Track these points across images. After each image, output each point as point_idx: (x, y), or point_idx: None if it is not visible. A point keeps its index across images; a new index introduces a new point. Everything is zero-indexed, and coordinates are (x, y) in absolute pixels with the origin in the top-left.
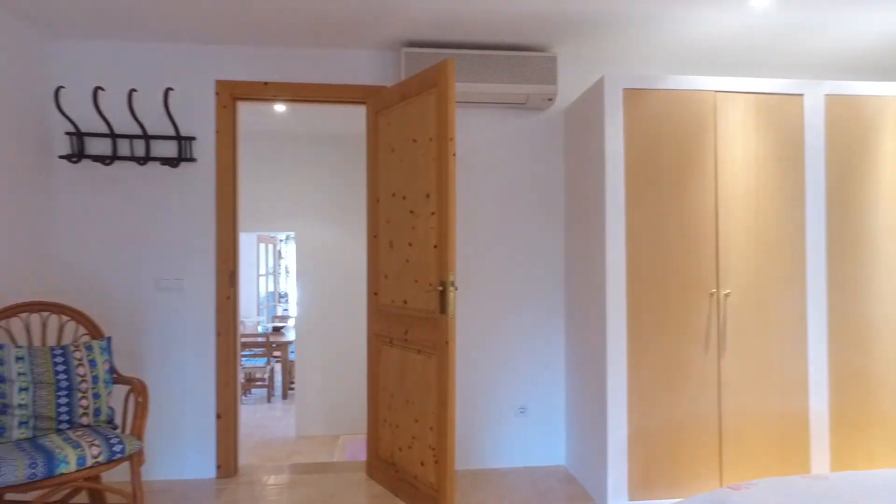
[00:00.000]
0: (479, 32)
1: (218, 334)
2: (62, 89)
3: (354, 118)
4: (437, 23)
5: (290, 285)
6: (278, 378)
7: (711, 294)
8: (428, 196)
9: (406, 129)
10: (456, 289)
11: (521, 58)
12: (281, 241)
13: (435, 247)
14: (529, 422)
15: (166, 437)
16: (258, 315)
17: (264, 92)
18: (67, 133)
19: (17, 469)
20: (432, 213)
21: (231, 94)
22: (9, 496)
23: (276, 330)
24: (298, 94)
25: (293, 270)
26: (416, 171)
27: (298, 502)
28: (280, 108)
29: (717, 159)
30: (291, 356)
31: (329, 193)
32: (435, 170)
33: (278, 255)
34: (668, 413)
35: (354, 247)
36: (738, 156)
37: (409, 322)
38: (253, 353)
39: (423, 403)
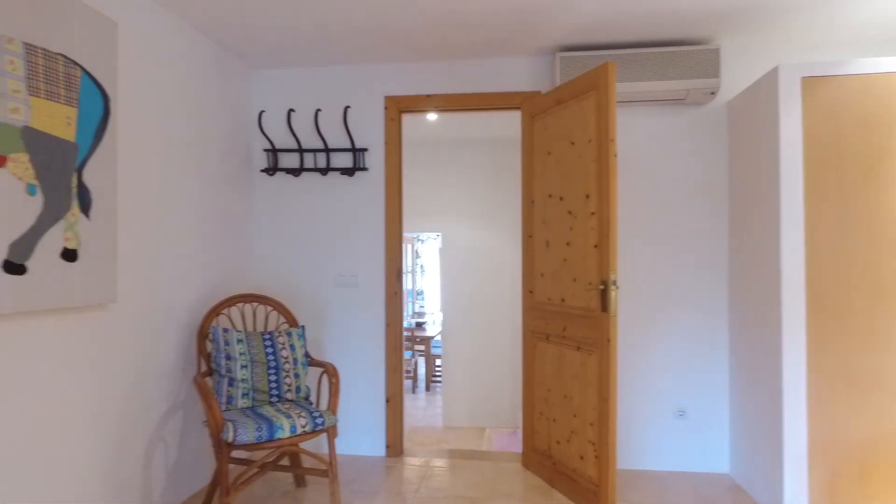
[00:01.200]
0: (635, 31)
1: (387, 325)
2: (263, 113)
3: (500, 123)
4: (593, 26)
5: (426, 283)
6: (421, 370)
7: None
8: (587, 197)
9: (563, 132)
10: (617, 288)
11: (681, 52)
12: (419, 241)
13: (595, 246)
14: (689, 425)
15: (342, 417)
16: None
17: (427, 104)
18: (265, 150)
19: (249, 431)
20: (592, 214)
21: (397, 108)
22: (234, 454)
23: (419, 325)
24: (457, 103)
25: (430, 269)
26: (573, 172)
27: (464, 484)
28: (432, 116)
29: None
30: (434, 350)
31: (474, 195)
32: (594, 171)
33: (416, 255)
34: (856, 426)
35: (498, 246)
36: None
37: (566, 319)
38: None
39: (582, 399)
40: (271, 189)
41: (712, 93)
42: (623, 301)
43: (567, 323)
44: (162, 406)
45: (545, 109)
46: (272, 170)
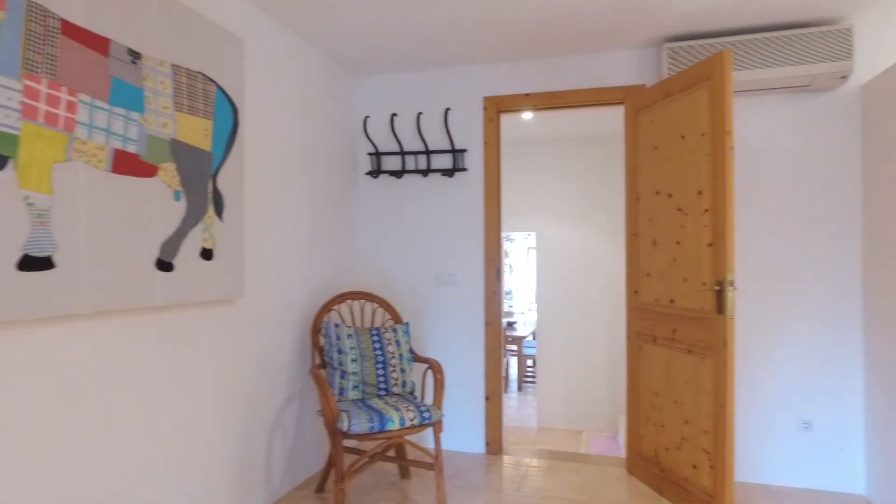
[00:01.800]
0: (752, 15)
1: (486, 325)
2: (368, 118)
3: (593, 119)
4: (704, 12)
5: (515, 283)
6: (512, 370)
7: None
8: (700, 193)
9: (671, 126)
10: (735, 289)
11: (806, 35)
12: (508, 240)
13: (709, 245)
14: (816, 439)
15: (443, 413)
16: None
17: (525, 103)
18: (369, 153)
19: (362, 422)
20: (705, 211)
21: (496, 108)
22: (345, 443)
23: (509, 325)
24: (557, 101)
25: (518, 268)
26: (684, 168)
27: (566, 486)
28: (527, 115)
29: None
30: (525, 350)
31: (568, 193)
32: (708, 165)
33: (504, 254)
34: None
35: (594, 245)
36: None
37: (676, 321)
38: None
39: (694, 405)
40: (375, 191)
41: (843, 77)
42: (739, 302)
43: (677, 325)
44: (281, 394)
45: (651, 103)
46: (376, 172)
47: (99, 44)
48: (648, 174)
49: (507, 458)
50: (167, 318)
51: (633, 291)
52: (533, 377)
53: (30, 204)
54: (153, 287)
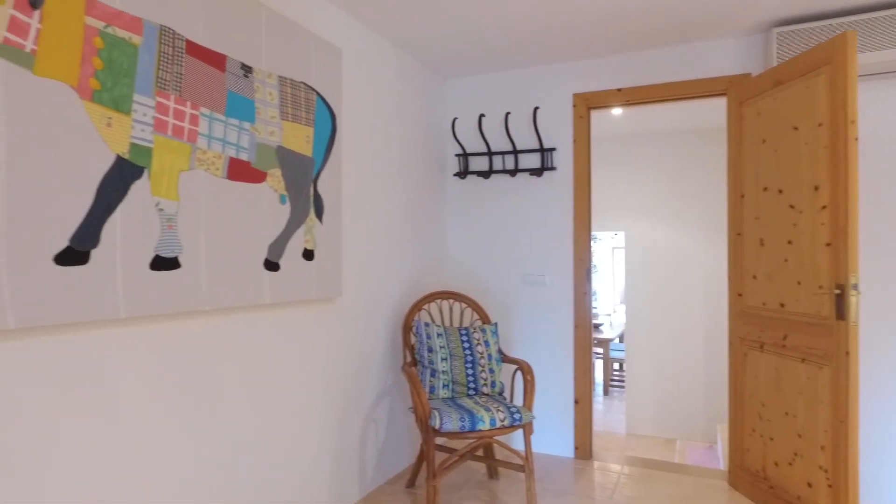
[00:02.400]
0: None
1: (576, 326)
2: (456, 120)
3: (691, 112)
4: None
5: (599, 284)
6: (598, 374)
7: None
8: (816, 188)
9: (782, 116)
10: (858, 293)
11: None
12: (592, 239)
13: (828, 245)
14: None
15: (533, 415)
16: None
17: (617, 98)
18: (457, 155)
19: (453, 420)
20: (823, 208)
21: (586, 105)
22: (437, 441)
23: (595, 327)
24: (651, 95)
25: (603, 269)
26: (797, 161)
27: (663, 497)
28: (617, 111)
29: None
30: (612, 353)
31: (659, 190)
32: (826, 158)
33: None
34: None
35: (688, 244)
36: None
37: (787, 327)
38: None
39: (809, 418)
40: (463, 192)
41: None
42: (862, 307)
43: (788, 331)
44: (374, 390)
45: (758, 93)
46: (463, 173)
47: (217, 60)
48: (755, 169)
49: (597, 464)
50: (273, 315)
51: (736, 294)
52: (620, 381)
53: (160, 209)
54: (262, 286)
